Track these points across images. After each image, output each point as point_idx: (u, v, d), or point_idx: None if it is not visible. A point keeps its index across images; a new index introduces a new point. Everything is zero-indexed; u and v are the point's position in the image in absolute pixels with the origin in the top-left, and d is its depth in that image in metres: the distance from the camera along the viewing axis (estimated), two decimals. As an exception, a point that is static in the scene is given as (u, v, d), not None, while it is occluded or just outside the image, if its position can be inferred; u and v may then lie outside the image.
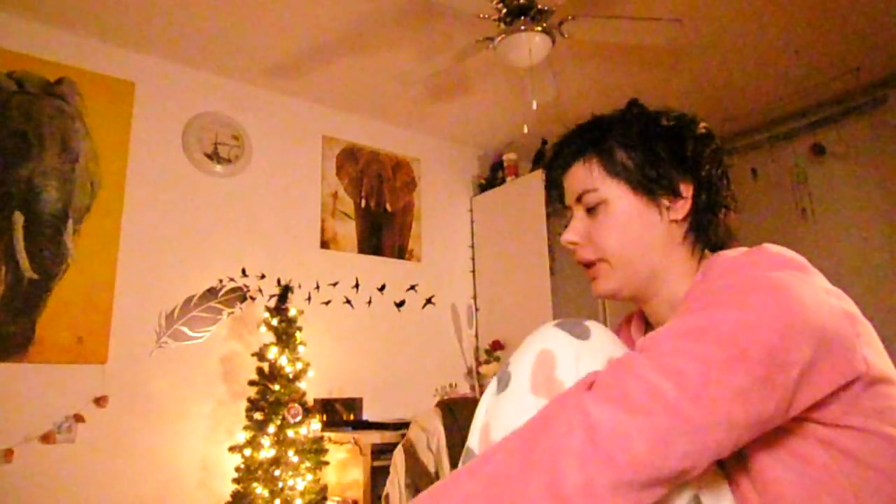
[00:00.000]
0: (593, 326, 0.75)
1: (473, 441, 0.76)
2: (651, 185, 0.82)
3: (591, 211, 0.85)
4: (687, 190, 0.83)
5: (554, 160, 0.91)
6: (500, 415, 0.73)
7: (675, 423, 0.58)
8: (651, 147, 0.84)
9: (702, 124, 0.87)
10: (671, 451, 0.58)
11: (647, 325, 0.93)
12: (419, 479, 2.32)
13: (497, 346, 3.53)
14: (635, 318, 0.98)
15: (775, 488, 0.66)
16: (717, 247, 0.86)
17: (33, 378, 2.36)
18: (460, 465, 0.76)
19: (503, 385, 0.75)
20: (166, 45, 2.78)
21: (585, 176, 0.85)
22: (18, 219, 2.41)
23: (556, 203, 0.92)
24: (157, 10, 2.52)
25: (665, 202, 0.82)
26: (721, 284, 0.68)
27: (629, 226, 0.83)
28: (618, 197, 0.83)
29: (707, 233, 0.84)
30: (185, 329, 2.71)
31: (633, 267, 0.83)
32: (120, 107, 2.73)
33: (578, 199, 0.86)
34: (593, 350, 0.72)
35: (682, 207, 0.83)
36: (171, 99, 2.89)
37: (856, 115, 3.24)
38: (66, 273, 2.48)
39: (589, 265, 0.86)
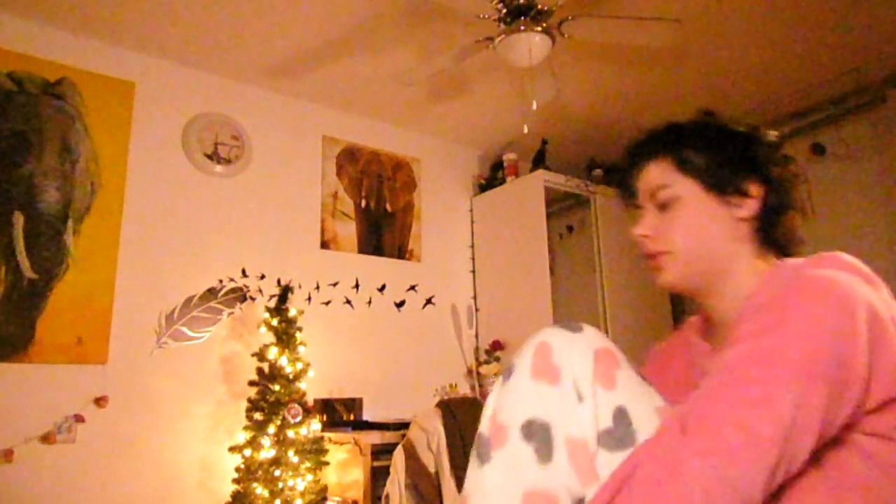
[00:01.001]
0: (586, 326, 0.83)
1: (483, 426, 0.81)
2: (721, 184, 0.86)
3: (662, 207, 0.90)
4: (756, 190, 0.86)
5: (628, 161, 0.96)
6: (506, 400, 0.79)
7: (777, 457, 0.63)
8: (722, 149, 0.88)
9: (773, 132, 0.92)
10: (772, 486, 0.64)
11: (709, 326, 0.96)
12: (419, 479, 2.32)
13: (497, 346, 3.53)
14: (696, 321, 1.00)
15: (810, 498, 0.69)
16: (784, 249, 0.89)
17: (33, 378, 2.36)
18: (473, 450, 0.81)
19: (507, 376, 0.82)
20: (166, 45, 2.78)
21: (659, 174, 0.90)
22: (18, 219, 2.41)
23: (628, 204, 0.97)
24: (158, 10, 2.52)
25: (734, 200, 0.86)
26: (794, 292, 0.71)
27: (697, 221, 0.87)
28: (689, 193, 0.88)
29: (774, 233, 0.88)
30: (185, 329, 2.71)
31: (696, 260, 0.87)
32: (120, 107, 2.73)
33: (651, 197, 0.91)
34: (584, 340, 0.79)
35: (750, 206, 0.86)
36: (172, 99, 2.89)
37: (856, 115, 3.24)
38: (66, 273, 2.48)
39: (653, 256, 0.91)
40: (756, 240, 0.87)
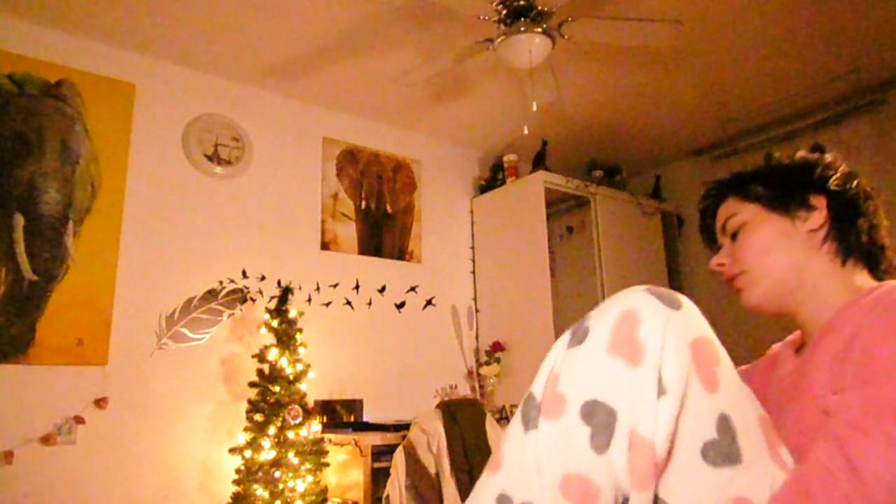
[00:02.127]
0: (686, 300, 0.73)
1: (538, 387, 0.72)
2: (783, 200, 0.91)
3: (734, 236, 0.94)
4: (819, 202, 0.89)
5: (703, 210, 1.03)
6: (573, 368, 0.70)
7: None
8: (781, 174, 0.94)
9: (830, 154, 0.98)
10: None
11: (802, 341, 0.95)
12: (420, 480, 2.32)
13: (497, 347, 3.52)
14: (791, 338, 1.00)
15: None
16: (871, 261, 0.90)
17: (33, 380, 2.36)
18: (518, 411, 0.74)
19: (578, 339, 0.72)
20: (167, 46, 2.79)
21: (726, 209, 0.96)
22: (19, 220, 2.41)
23: (713, 250, 1.01)
24: (158, 11, 2.52)
25: (800, 214, 0.90)
26: None
27: (766, 237, 0.91)
28: (755, 216, 0.92)
29: (847, 241, 0.89)
30: (185, 331, 2.71)
31: (773, 274, 0.89)
32: (120, 108, 2.73)
33: (723, 232, 0.96)
34: (683, 320, 0.70)
35: (817, 218, 0.89)
36: (172, 100, 2.89)
37: (856, 115, 3.24)
38: (66, 275, 2.48)
39: (733, 279, 0.94)
40: (832, 250, 0.89)
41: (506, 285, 3.62)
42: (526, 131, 3.27)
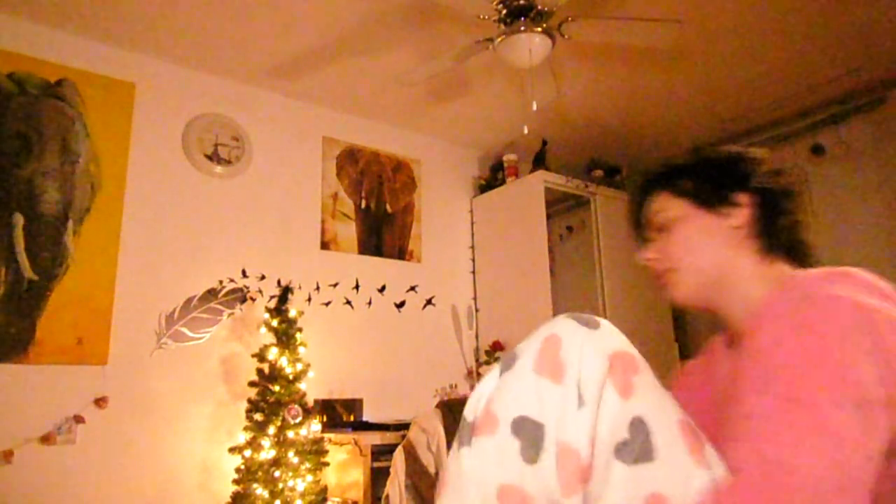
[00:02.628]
0: (604, 322, 0.80)
1: (470, 412, 0.80)
2: (708, 197, 0.93)
3: (662, 231, 0.97)
4: (743, 199, 0.91)
5: (633, 205, 1.05)
6: (503, 390, 0.77)
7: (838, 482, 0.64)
8: (708, 170, 0.96)
9: (761, 150, 0.97)
10: None
11: (730, 336, 0.97)
12: (419, 479, 2.32)
13: (497, 346, 3.52)
14: (722, 335, 1.02)
15: None
16: (791, 254, 0.92)
17: (33, 379, 2.36)
18: (456, 436, 0.80)
19: (508, 366, 0.79)
20: (167, 46, 2.79)
21: (656, 204, 0.99)
22: (19, 220, 2.41)
23: (643, 241, 1.03)
24: (158, 11, 2.52)
25: (724, 211, 0.92)
26: (816, 315, 0.72)
27: (693, 235, 0.93)
28: (682, 213, 0.95)
29: (769, 238, 0.91)
30: (185, 330, 2.71)
31: (699, 271, 0.92)
32: (120, 108, 2.73)
33: (652, 225, 0.99)
34: (600, 339, 0.77)
35: (741, 214, 0.91)
36: (172, 100, 2.89)
37: (856, 115, 3.24)
38: (66, 274, 2.48)
39: (661, 275, 0.97)
40: (756, 246, 0.91)
41: (506, 285, 3.62)
42: (526, 131, 3.27)
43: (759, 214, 0.91)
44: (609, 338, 0.78)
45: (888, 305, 0.72)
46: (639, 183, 1.04)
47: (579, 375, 0.74)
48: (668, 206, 0.96)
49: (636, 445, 0.72)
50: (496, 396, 0.78)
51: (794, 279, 0.82)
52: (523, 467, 0.72)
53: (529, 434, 0.73)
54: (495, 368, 0.82)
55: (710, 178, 0.94)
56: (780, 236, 0.91)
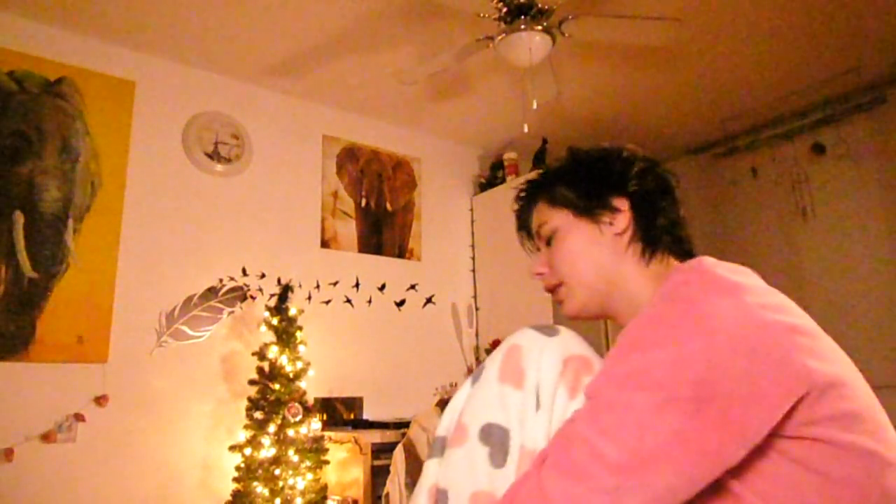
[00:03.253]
0: (564, 329, 0.83)
1: (443, 429, 0.85)
2: (588, 206, 0.91)
3: (548, 243, 0.95)
4: (622, 204, 0.90)
5: (517, 214, 1.03)
6: (471, 402, 0.81)
7: (620, 481, 0.62)
8: (582, 176, 0.94)
9: (628, 147, 0.96)
10: None
11: None
12: (419, 478, 2.32)
13: (497, 345, 3.52)
14: None
15: None
16: (674, 252, 0.91)
17: (34, 377, 2.36)
18: (428, 453, 0.84)
19: (476, 378, 0.84)
20: (167, 44, 2.78)
21: (538, 214, 0.97)
22: (19, 218, 2.41)
23: (532, 251, 1.02)
24: (158, 9, 2.52)
25: (605, 219, 0.90)
26: (651, 315, 0.71)
27: (577, 246, 0.92)
28: (564, 224, 0.93)
29: (650, 240, 0.90)
30: (185, 328, 2.71)
31: (587, 283, 0.91)
32: (120, 106, 2.73)
33: (539, 238, 0.98)
34: (557, 344, 0.80)
35: (621, 220, 0.90)
36: (172, 98, 2.89)
37: (856, 114, 3.24)
38: (66, 272, 2.48)
39: (553, 290, 0.96)
40: (639, 248, 0.90)
41: (506, 283, 3.62)
42: (526, 129, 3.27)
43: (638, 217, 0.90)
44: (567, 343, 0.81)
45: (728, 298, 0.68)
46: (518, 192, 1.03)
47: (538, 380, 0.78)
48: (548, 218, 0.95)
49: None
50: (466, 408, 0.82)
51: (668, 279, 0.80)
52: (492, 472, 0.75)
53: (497, 440, 0.76)
54: (466, 383, 0.86)
55: (586, 184, 0.93)
56: (661, 237, 0.90)
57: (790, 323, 0.67)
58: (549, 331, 0.82)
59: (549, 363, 0.79)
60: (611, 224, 0.90)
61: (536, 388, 0.78)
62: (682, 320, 0.66)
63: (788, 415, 0.64)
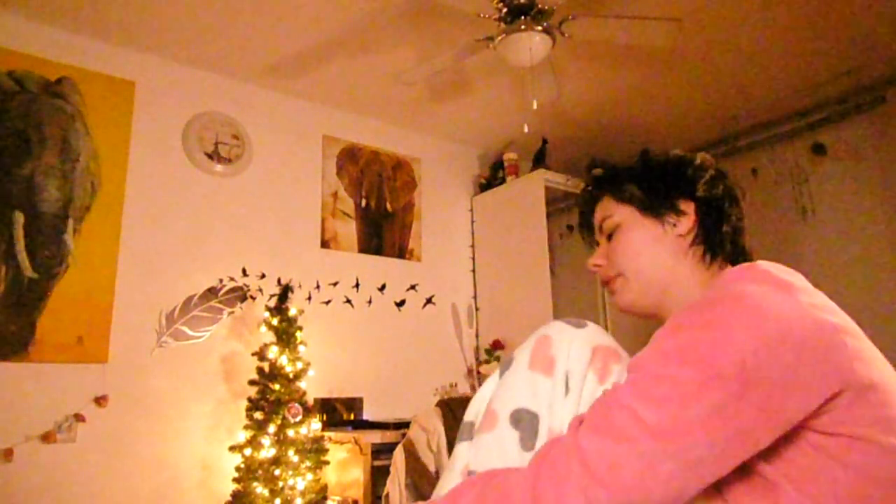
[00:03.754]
0: (591, 324, 0.88)
1: (471, 415, 0.89)
2: (655, 205, 0.94)
3: (610, 237, 0.98)
4: (688, 207, 0.93)
5: (581, 208, 1.07)
6: (502, 389, 0.86)
7: (657, 445, 0.63)
8: (653, 176, 0.97)
9: (700, 155, 0.98)
10: (658, 474, 0.63)
11: None
12: (419, 478, 2.33)
13: (497, 345, 3.53)
14: None
15: (773, 496, 0.68)
16: (732, 260, 0.93)
17: (34, 377, 2.36)
18: (458, 438, 0.88)
19: (507, 366, 0.88)
20: (167, 44, 2.78)
21: (602, 209, 1.00)
22: (19, 218, 2.41)
23: (592, 245, 1.05)
24: (158, 9, 2.52)
25: (670, 219, 0.93)
26: (703, 303, 0.73)
27: (639, 242, 0.94)
28: (629, 219, 0.96)
29: (712, 245, 0.92)
30: (185, 328, 2.71)
31: (645, 278, 0.93)
32: (120, 106, 2.73)
33: (600, 231, 1.00)
34: (586, 336, 0.85)
35: (686, 223, 0.92)
36: (172, 98, 2.89)
37: (856, 115, 3.24)
38: (66, 272, 2.48)
39: (609, 281, 0.98)
40: (699, 253, 0.92)
41: (506, 284, 3.62)
42: (526, 129, 3.27)
43: (702, 222, 0.92)
44: (595, 335, 0.86)
45: (781, 291, 0.71)
46: (584, 187, 1.06)
47: (567, 368, 0.83)
48: (613, 212, 0.97)
49: None
50: (496, 395, 0.86)
51: (717, 281, 0.84)
52: (523, 455, 0.79)
53: (526, 424, 0.81)
54: (496, 372, 0.91)
55: (655, 184, 0.95)
56: (724, 243, 0.92)
57: (838, 323, 0.70)
58: (578, 323, 0.87)
59: (579, 352, 0.83)
60: (675, 225, 0.93)
61: (566, 375, 0.82)
62: (733, 308, 0.69)
63: (825, 410, 0.67)
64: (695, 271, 0.92)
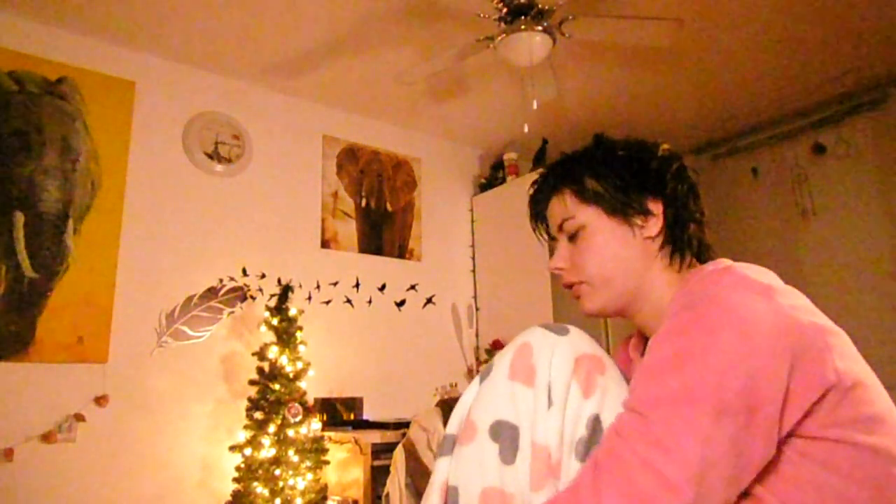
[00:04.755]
0: (573, 329, 0.83)
1: (452, 427, 0.84)
2: (623, 207, 0.87)
3: (572, 238, 0.91)
4: (656, 207, 0.88)
5: (534, 198, 0.97)
6: (480, 400, 0.81)
7: (680, 501, 0.62)
8: (618, 172, 0.89)
9: (664, 146, 0.92)
10: None
11: (642, 341, 0.97)
12: (419, 478, 2.33)
13: (497, 345, 3.53)
14: (634, 336, 1.00)
15: None
16: (697, 256, 0.90)
17: (34, 377, 2.36)
18: (438, 451, 0.83)
19: (485, 376, 0.83)
20: (167, 44, 2.78)
21: (563, 207, 0.91)
22: (19, 218, 2.41)
23: (544, 236, 0.98)
24: (158, 9, 2.52)
25: (638, 221, 0.87)
26: (692, 318, 0.70)
27: (606, 247, 0.88)
28: (594, 221, 0.89)
29: (681, 245, 0.88)
30: (185, 328, 2.71)
31: (613, 285, 0.88)
32: (120, 106, 2.73)
33: (560, 229, 0.92)
34: (567, 345, 0.80)
35: (655, 224, 0.87)
36: (172, 98, 2.89)
37: (856, 114, 3.24)
38: (66, 272, 2.48)
39: (572, 286, 0.92)
40: (665, 254, 0.88)
41: (506, 284, 3.62)
42: (526, 129, 3.28)
43: (671, 223, 0.87)
44: (577, 342, 0.80)
45: (763, 299, 0.69)
46: (540, 179, 0.97)
47: (549, 378, 0.77)
48: (575, 212, 0.89)
49: (592, 444, 0.75)
50: (475, 406, 0.81)
51: (688, 280, 0.82)
52: (502, 469, 0.75)
53: (506, 437, 0.76)
54: (475, 381, 0.86)
55: (619, 181, 0.88)
56: (692, 242, 0.88)
57: (821, 324, 0.70)
58: (559, 330, 0.82)
59: (561, 362, 0.78)
60: (642, 227, 0.87)
61: (548, 385, 0.77)
62: (721, 325, 0.67)
63: (810, 412, 0.66)
64: (665, 274, 0.87)
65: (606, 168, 0.90)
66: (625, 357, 1.01)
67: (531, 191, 0.98)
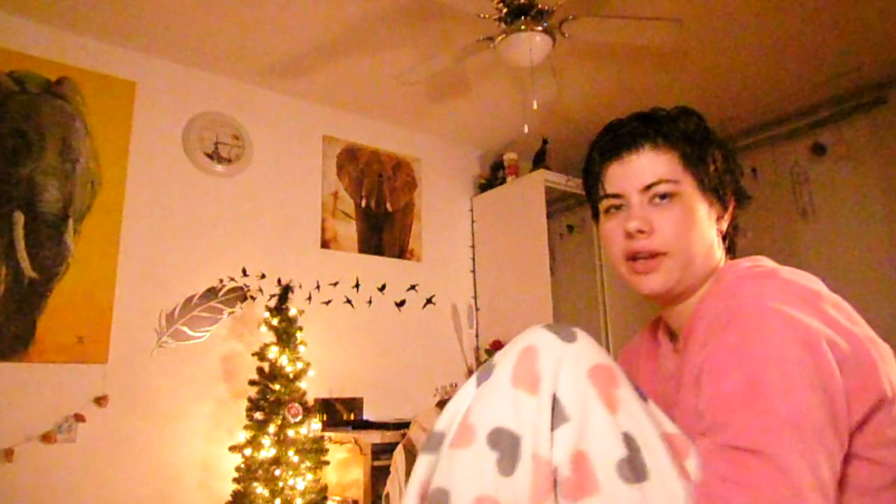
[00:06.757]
0: (581, 334, 0.77)
1: (444, 425, 0.78)
2: (719, 193, 0.84)
3: (657, 201, 0.82)
4: (731, 202, 0.88)
5: (616, 145, 0.87)
6: (480, 402, 0.76)
7: None
8: (722, 155, 0.85)
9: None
10: None
11: (674, 334, 0.94)
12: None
13: (497, 345, 3.53)
14: (664, 330, 0.97)
15: None
16: (730, 250, 0.90)
17: (34, 378, 2.36)
18: (423, 447, 0.79)
19: (485, 377, 0.78)
20: (167, 44, 2.78)
21: (667, 166, 0.83)
22: (19, 218, 2.41)
23: (598, 195, 0.89)
24: (158, 10, 2.52)
25: (716, 209, 0.85)
26: (747, 336, 0.68)
27: (702, 223, 0.82)
28: (692, 194, 0.83)
29: (732, 240, 0.89)
30: (185, 329, 2.71)
31: (693, 265, 0.82)
32: (120, 106, 2.73)
33: (645, 188, 0.83)
34: (576, 354, 0.75)
35: (726, 220, 0.86)
36: (172, 98, 2.89)
37: (856, 115, 3.24)
38: (66, 273, 2.48)
39: (650, 256, 0.83)
40: (723, 249, 0.88)
41: (506, 284, 3.62)
42: (526, 130, 3.27)
43: (735, 223, 0.89)
44: (587, 351, 0.76)
45: (816, 310, 0.69)
46: (622, 124, 0.90)
47: (555, 388, 0.73)
48: (678, 176, 0.82)
49: (635, 463, 0.70)
50: (473, 408, 0.76)
51: (723, 276, 0.81)
52: (499, 479, 0.71)
53: (506, 446, 0.72)
54: (472, 380, 0.81)
55: (724, 165, 0.84)
56: (735, 239, 0.89)
57: (869, 334, 0.70)
58: (566, 335, 0.76)
59: (572, 374, 0.73)
60: (719, 219, 0.86)
61: (553, 395, 0.73)
62: (790, 345, 0.66)
63: (861, 429, 0.67)
64: (713, 270, 0.86)
65: (712, 146, 0.85)
66: (650, 340, 0.99)
67: (609, 137, 0.88)
